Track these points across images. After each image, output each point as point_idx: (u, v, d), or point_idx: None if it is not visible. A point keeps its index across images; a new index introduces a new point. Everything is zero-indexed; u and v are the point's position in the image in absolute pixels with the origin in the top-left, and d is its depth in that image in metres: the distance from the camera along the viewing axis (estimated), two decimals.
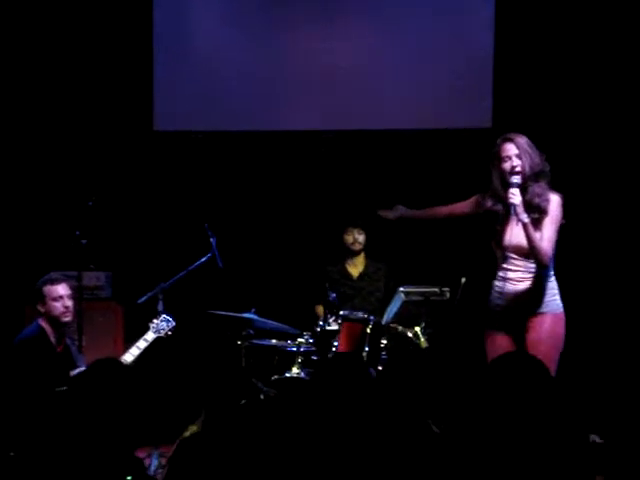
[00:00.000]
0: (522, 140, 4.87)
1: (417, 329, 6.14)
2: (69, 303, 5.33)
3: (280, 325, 6.26)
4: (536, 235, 4.76)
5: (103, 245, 6.84)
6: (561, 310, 4.89)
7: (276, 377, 6.00)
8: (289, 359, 6.18)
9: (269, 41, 7.28)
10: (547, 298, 4.87)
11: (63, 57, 7.33)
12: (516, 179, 4.79)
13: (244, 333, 6.16)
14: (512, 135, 4.92)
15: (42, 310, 5.31)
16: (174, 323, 5.48)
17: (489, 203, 4.94)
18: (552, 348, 4.82)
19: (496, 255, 4.99)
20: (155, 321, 5.41)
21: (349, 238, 6.68)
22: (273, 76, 7.27)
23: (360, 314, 6.20)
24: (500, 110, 7.04)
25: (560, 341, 4.88)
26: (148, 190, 7.40)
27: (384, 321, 6.23)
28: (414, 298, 6.10)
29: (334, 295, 6.56)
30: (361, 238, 6.67)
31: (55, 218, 7.17)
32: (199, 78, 7.31)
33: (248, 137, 7.38)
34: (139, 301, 5.94)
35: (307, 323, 6.36)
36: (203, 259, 6.06)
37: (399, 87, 7.16)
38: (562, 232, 4.88)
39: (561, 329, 4.88)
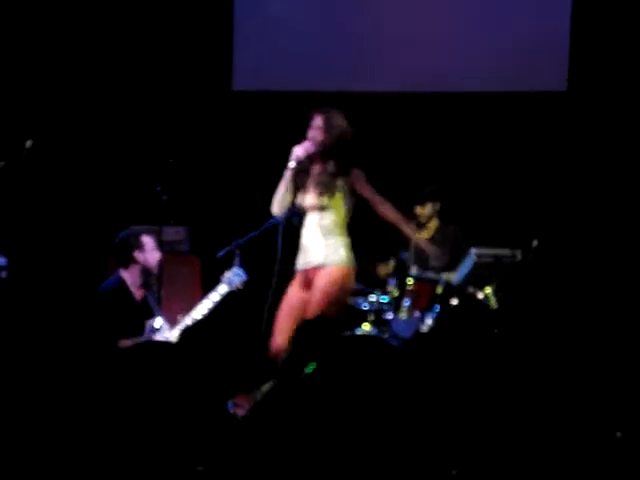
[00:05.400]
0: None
1: (488, 290, 6.20)
2: (160, 255, 5.52)
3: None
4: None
5: (183, 201, 7.03)
6: None
7: (348, 333, 6.14)
8: (360, 317, 6.32)
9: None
10: None
11: (145, 17, 7.51)
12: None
13: None
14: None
15: (139, 258, 5.41)
16: (246, 277, 5.61)
17: None
18: None
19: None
20: (227, 275, 5.54)
21: (418, 210, 6.73)
22: (355, 36, 7.33)
23: (430, 274, 6.30)
24: (576, 73, 7.00)
25: None
26: (227, 148, 7.57)
27: (455, 282, 6.31)
28: (485, 260, 6.16)
29: (406, 254, 6.67)
30: (427, 211, 6.71)
31: (138, 175, 7.38)
32: (279, 38, 7.41)
33: (326, 97, 7.45)
34: (218, 255, 6.11)
35: (377, 282, 6.49)
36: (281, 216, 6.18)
37: (473, 48, 7.15)
38: None
39: None
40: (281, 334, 5.25)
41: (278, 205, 5.37)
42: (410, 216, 6.68)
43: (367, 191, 5.51)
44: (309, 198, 5.37)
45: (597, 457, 2.34)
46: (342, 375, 2.80)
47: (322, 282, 5.33)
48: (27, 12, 7.44)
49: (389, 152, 7.42)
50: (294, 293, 5.39)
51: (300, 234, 5.44)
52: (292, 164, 5.34)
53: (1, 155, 6.01)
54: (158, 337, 5.23)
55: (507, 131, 7.22)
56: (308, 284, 5.38)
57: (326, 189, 5.34)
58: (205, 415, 2.83)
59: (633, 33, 6.99)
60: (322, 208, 5.36)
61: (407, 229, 5.71)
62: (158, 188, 6.18)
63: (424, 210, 6.67)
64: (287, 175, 5.34)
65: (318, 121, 5.40)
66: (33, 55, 7.47)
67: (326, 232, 5.39)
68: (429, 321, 6.11)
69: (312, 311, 5.27)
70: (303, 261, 5.40)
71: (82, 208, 7.49)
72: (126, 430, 2.91)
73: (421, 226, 6.73)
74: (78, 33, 7.49)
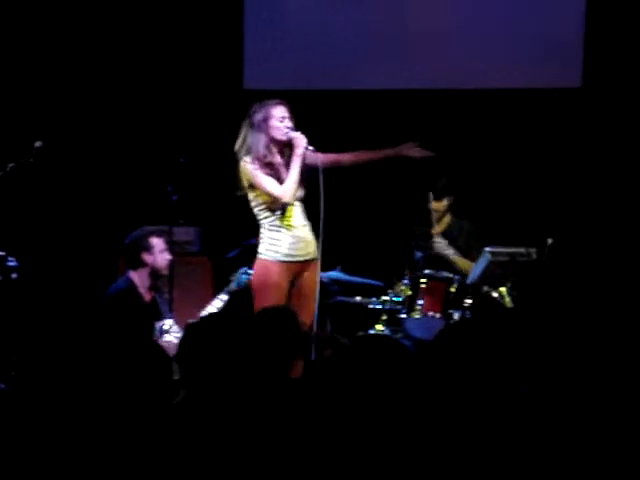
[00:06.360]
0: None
1: (503, 289, 6.14)
2: (170, 257, 5.47)
3: (365, 280, 6.35)
4: None
5: (193, 201, 6.99)
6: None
7: (361, 334, 6.09)
8: (374, 317, 6.27)
9: None
10: None
11: (155, 16, 7.48)
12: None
13: (330, 291, 6.26)
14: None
15: (148, 260, 5.37)
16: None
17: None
18: None
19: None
20: (235, 275, 5.53)
21: (434, 206, 6.66)
22: (367, 33, 7.27)
23: (445, 273, 6.23)
24: (591, 69, 6.93)
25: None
26: None
27: (469, 281, 6.25)
28: (500, 258, 6.10)
29: (420, 255, 6.61)
30: (443, 206, 6.62)
31: (148, 174, 7.35)
32: (290, 36, 7.35)
33: (339, 96, 7.41)
34: (228, 256, 6.08)
35: (391, 282, 6.43)
36: None
37: (487, 45, 7.09)
38: None
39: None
40: None
41: (293, 195, 5.19)
42: (425, 211, 6.64)
43: (325, 156, 5.32)
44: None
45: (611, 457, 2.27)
46: (353, 374, 2.75)
47: (316, 278, 5.21)
48: (33, 12, 7.42)
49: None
50: (285, 285, 5.21)
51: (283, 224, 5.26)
52: (311, 148, 5.17)
53: (10, 156, 5.99)
54: (168, 338, 5.20)
55: (522, 128, 7.15)
56: (296, 276, 5.24)
57: (306, 180, 5.23)
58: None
59: None
60: (302, 199, 5.25)
61: (381, 152, 5.55)
62: (169, 188, 6.14)
63: (440, 205, 6.60)
64: (300, 161, 5.17)
65: (286, 110, 5.25)
66: (40, 56, 7.44)
67: (307, 224, 5.29)
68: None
69: (311, 308, 5.16)
70: (304, 252, 5.25)
71: (92, 209, 7.46)
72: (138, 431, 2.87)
73: (436, 220, 6.67)
74: (85, 33, 7.47)
